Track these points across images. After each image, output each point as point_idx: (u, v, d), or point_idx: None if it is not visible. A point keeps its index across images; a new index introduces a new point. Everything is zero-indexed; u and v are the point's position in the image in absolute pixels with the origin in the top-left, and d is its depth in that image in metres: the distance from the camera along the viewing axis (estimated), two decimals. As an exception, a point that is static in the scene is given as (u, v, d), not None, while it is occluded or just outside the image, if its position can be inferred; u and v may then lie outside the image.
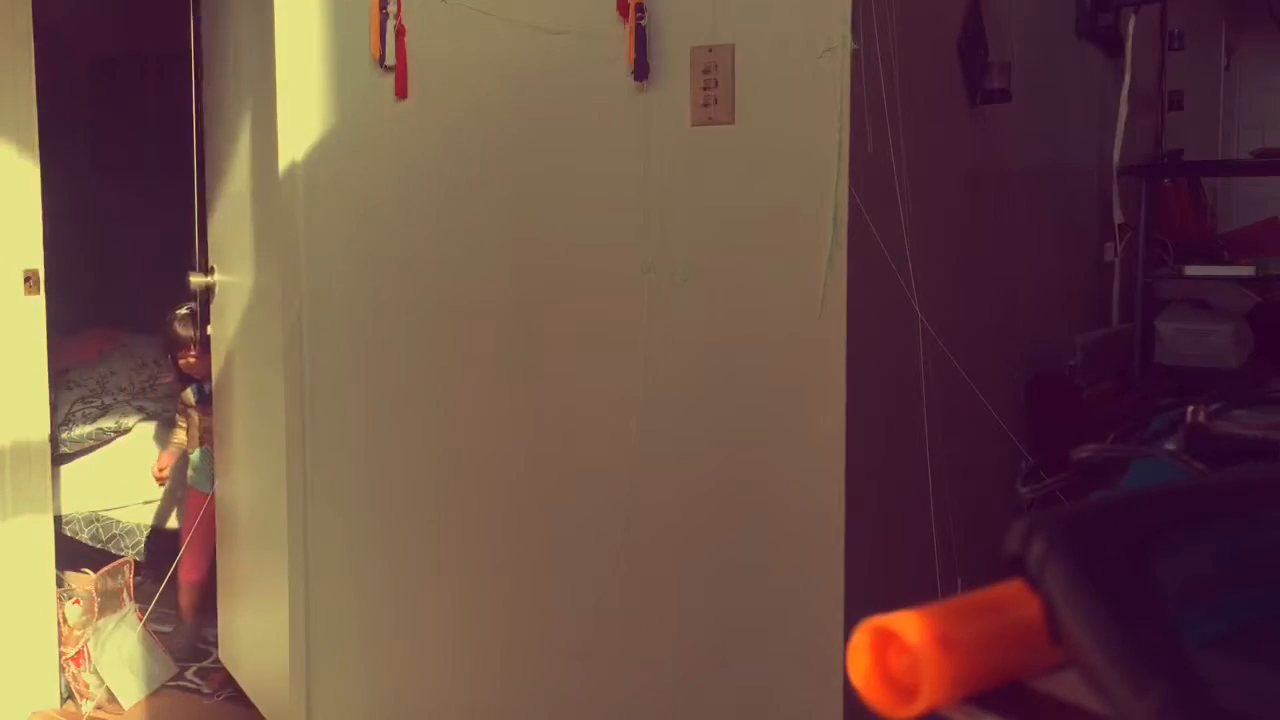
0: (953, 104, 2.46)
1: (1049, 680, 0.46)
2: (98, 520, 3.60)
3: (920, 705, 0.45)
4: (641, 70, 2.03)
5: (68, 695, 3.06)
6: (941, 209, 2.32)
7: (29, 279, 2.92)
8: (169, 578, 3.30)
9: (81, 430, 3.54)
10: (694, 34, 1.99)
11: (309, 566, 2.49)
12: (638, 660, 2.15)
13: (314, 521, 2.48)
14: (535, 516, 2.24)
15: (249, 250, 2.74)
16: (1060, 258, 3.41)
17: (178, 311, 3.39)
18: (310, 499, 2.48)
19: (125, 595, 3.22)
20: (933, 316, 2.13)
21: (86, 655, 3.05)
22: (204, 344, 3.33)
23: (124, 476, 3.59)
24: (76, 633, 3.04)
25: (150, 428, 3.66)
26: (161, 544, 3.61)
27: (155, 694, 3.14)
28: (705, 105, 1.99)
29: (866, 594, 1.98)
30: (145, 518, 3.65)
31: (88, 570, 3.13)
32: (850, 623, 1.60)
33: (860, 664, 0.46)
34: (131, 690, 3.09)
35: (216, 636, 3.45)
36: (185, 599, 3.40)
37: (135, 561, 3.44)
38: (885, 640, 0.46)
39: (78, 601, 3.06)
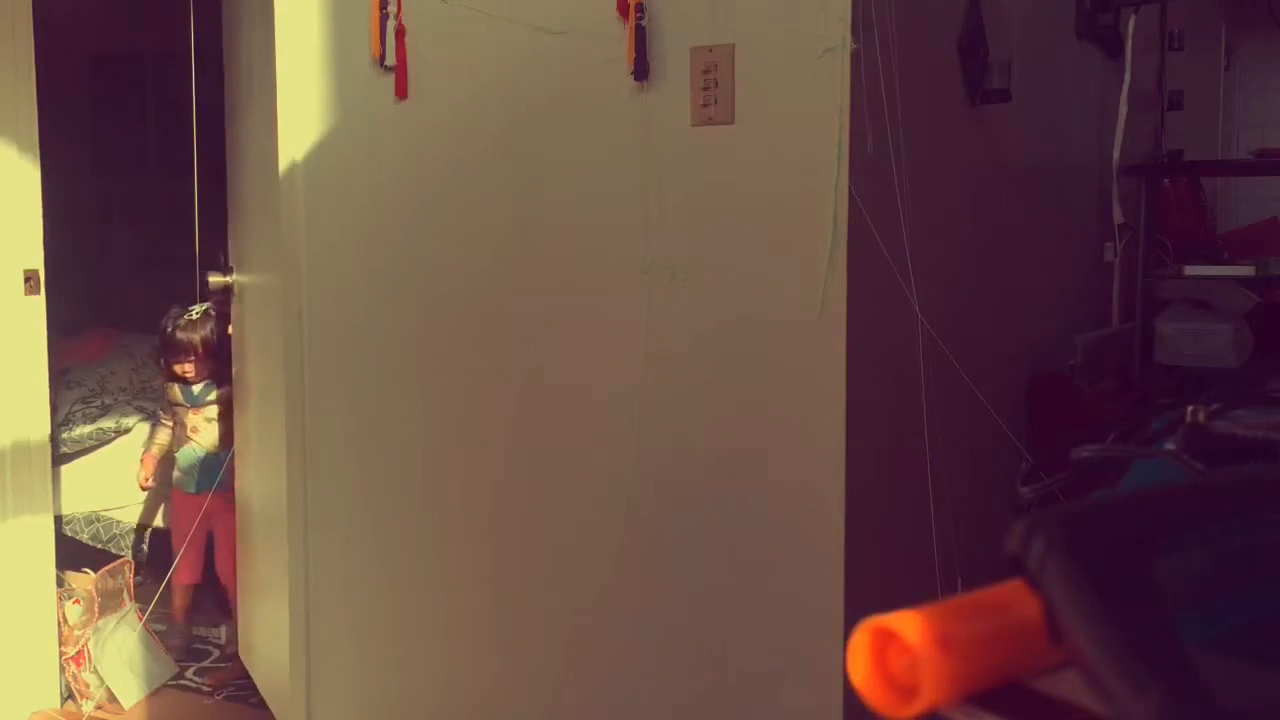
0: (953, 104, 2.45)
1: (1049, 680, 0.46)
2: (98, 520, 3.59)
3: (920, 705, 0.45)
4: (641, 70, 2.03)
5: (68, 695, 3.06)
6: (941, 209, 2.32)
7: (29, 279, 2.92)
8: (167, 580, 3.30)
9: (81, 430, 3.54)
10: (694, 34, 1.99)
11: (309, 565, 2.49)
12: (637, 660, 2.15)
13: (314, 520, 2.48)
14: (535, 516, 2.24)
15: (263, 250, 2.74)
16: (1060, 258, 3.41)
17: (179, 317, 3.34)
18: (310, 497, 2.48)
19: (125, 595, 3.22)
20: (933, 316, 2.13)
21: (87, 655, 3.05)
22: (205, 348, 3.32)
23: (124, 476, 3.59)
24: (77, 633, 3.04)
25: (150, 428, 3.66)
26: (157, 542, 3.61)
27: (155, 694, 3.14)
28: (705, 105, 1.99)
29: (866, 594, 1.98)
30: (145, 518, 3.65)
31: (88, 570, 3.13)
32: (850, 623, 1.59)
33: (860, 664, 0.46)
34: (132, 690, 3.09)
35: (214, 637, 3.46)
36: (178, 600, 3.40)
37: (135, 561, 3.44)
38: (885, 640, 0.46)
39: (78, 601, 3.06)
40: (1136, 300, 3.68)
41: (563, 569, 2.21)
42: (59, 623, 3.03)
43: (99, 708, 3.04)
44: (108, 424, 3.53)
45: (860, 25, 1.88)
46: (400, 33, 2.27)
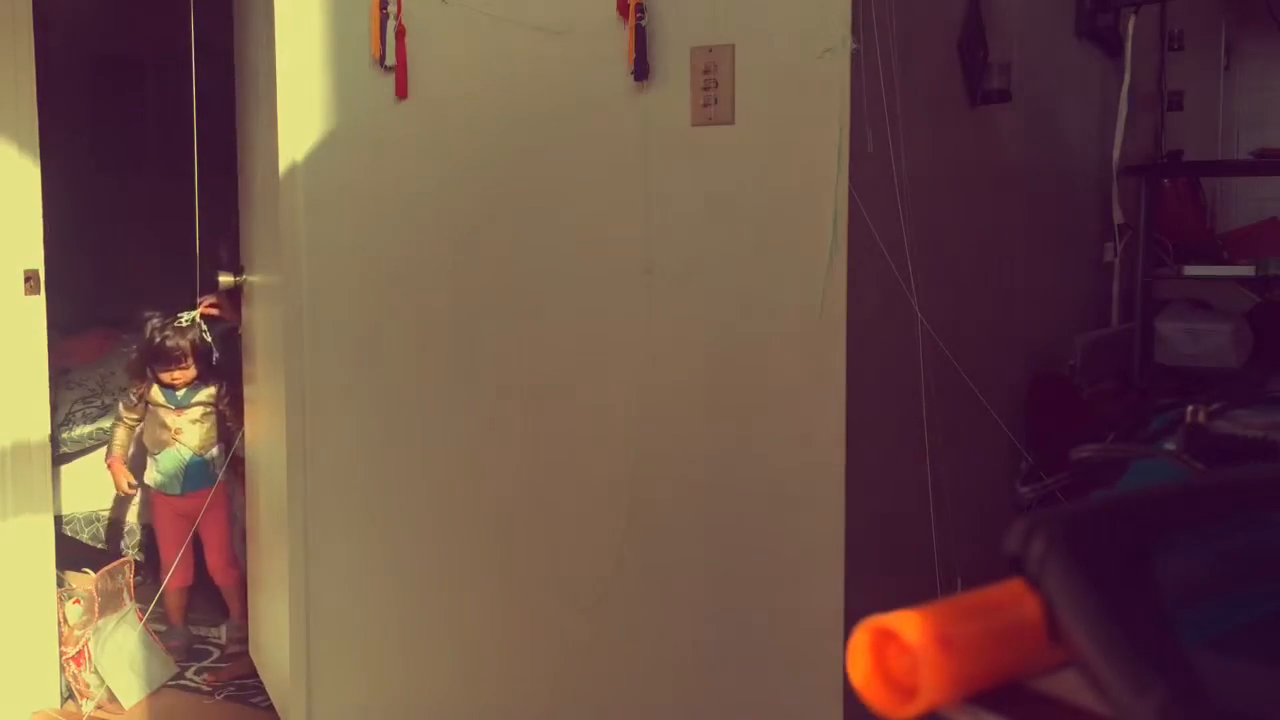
0: (953, 104, 2.45)
1: (1049, 680, 0.46)
2: (98, 520, 3.59)
3: (920, 705, 0.45)
4: (641, 70, 2.03)
5: (68, 695, 3.06)
6: (941, 209, 2.32)
7: (29, 279, 2.92)
8: (163, 588, 3.30)
9: (81, 430, 3.53)
10: (694, 34, 1.99)
11: (309, 564, 2.49)
12: (637, 659, 2.15)
13: (314, 519, 2.48)
14: (535, 516, 2.24)
15: (268, 250, 2.74)
16: (1060, 258, 3.41)
17: (165, 326, 3.28)
18: (310, 497, 2.48)
19: (125, 595, 3.22)
20: (933, 316, 2.13)
21: (87, 655, 3.05)
22: (195, 354, 3.29)
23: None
24: (77, 633, 3.04)
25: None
26: (153, 541, 3.60)
27: (156, 694, 3.14)
28: (705, 105, 2.00)
29: (866, 594, 1.98)
30: (144, 516, 3.64)
31: (88, 570, 3.13)
32: (850, 623, 1.60)
33: (860, 664, 0.46)
34: (132, 690, 3.09)
35: (213, 636, 3.46)
36: (172, 603, 3.39)
37: (135, 561, 3.44)
38: (885, 640, 0.46)
39: (78, 601, 3.06)
40: (1136, 300, 3.68)
41: (563, 568, 2.21)
42: (59, 623, 3.03)
43: (99, 708, 3.04)
44: (108, 424, 3.52)
45: (860, 25, 1.88)
46: (400, 33, 2.27)
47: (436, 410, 2.33)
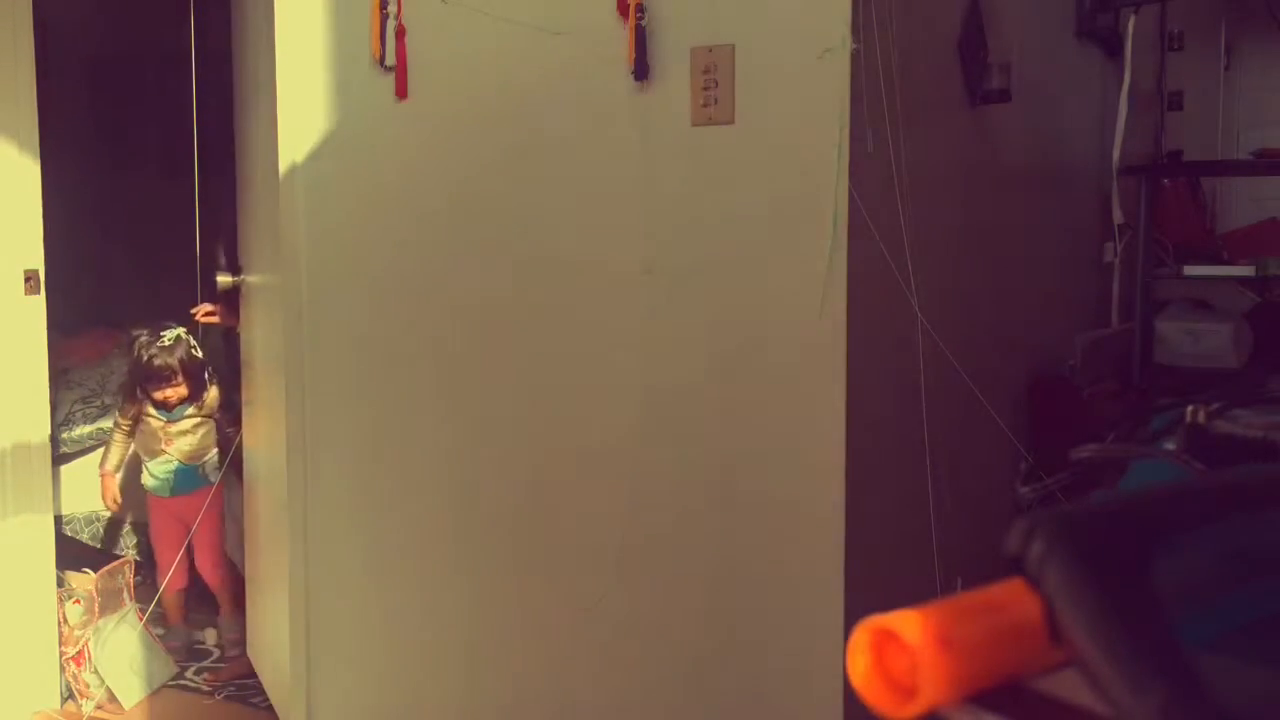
0: (953, 104, 2.45)
1: (1049, 680, 0.46)
2: (98, 520, 3.59)
3: (920, 705, 0.45)
4: (641, 70, 2.03)
5: (68, 695, 3.06)
6: (941, 209, 2.32)
7: (29, 279, 2.92)
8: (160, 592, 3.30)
9: (81, 430, 3.53)
10: (694, 34, 1.99)
11: (309, 564, 2.49)
12: (638, 660, 2.15)
13: (314, 519, 2.48)
14: (535, 516, 2.24)
15: (268, 250, 2.74)
16: (1060, 258, 3.41)
17: (152, 344, 3.24)
18: (310, 497, 2.48)
19: (125, 595, 3.22)
20: (933, 316, 2.13)
21: (87, 655, 3.05)
22: (184, 369, 3.25)
23: (123, 476, 3.58)
24: (77, 633, 3.04)
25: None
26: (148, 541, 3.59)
27: (155, 694, 3.14)
28: (705, 105, 1.99)
29: (866, 594, 1.98)
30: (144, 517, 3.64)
31: (88, 570, 3.13)
32: (850, 623, 1.60)
33: (860, 664, 0.46)
34: (132, 690, 3.09)
35: (197, 641, 3.46)
36: (171, 604, 3.39)
37: (135, 561, 3.44)
38: (885, 640, 0.46)
39: (78, 601, 3.06)
40: (1136, 300, 3.68)
41: (563, 568, 2.21)
42: (59, 623, 3.03)
43: (99, 708, 3.04)
44: (108, 424, 3.52)
45: (860, 25, 1.88)
46: (400, 33, 2.27)
47: (436, 410, 2.33)
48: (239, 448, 3.22)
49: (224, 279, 3.04)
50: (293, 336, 2.45)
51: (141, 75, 4.85)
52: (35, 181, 2.92)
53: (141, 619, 3.20)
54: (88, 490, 3.58)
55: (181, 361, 3.24)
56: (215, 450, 3.35)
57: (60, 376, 3.60)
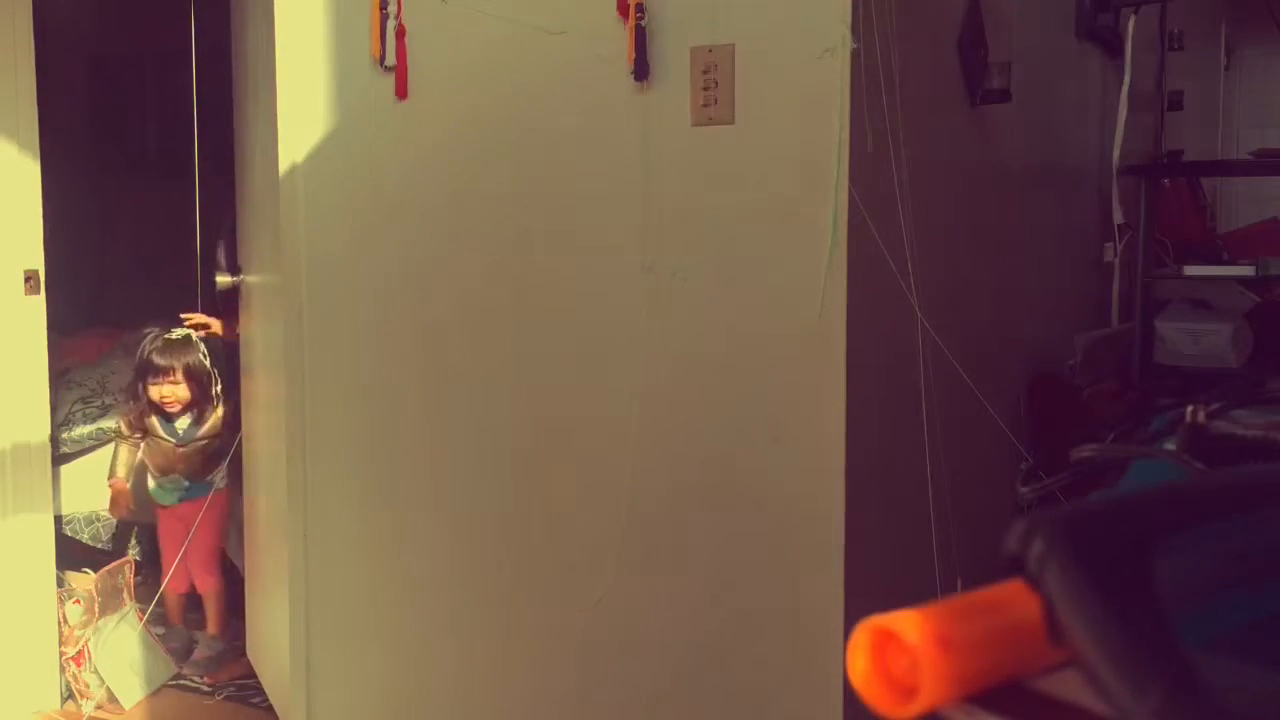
0: (953, 104, 2.45)
1: (1049, 680, 0.46)
2: (98, 520, 3.59)
3: (920, 705, 0.45)
4: (641, 70, 2.03)
5: (68, 695, 3.06)
6: (942, 209, 2.32)
7: (29, 279, 2.92)
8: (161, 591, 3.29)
9: (81, 430, 3.53)
10: (694, 34, 1.99)
11: (309, 565, 2.49)
12: (637, 659, 2.15)
13: (314, 519, 2.48)
14: (535, 516, 2.24)
15: (267, 250, 2.74)
16: (1060, 258, 3.41)
17: (157, 339, 3.23)
18: (310, 497, 2.48)
19: (125, 595, 3.22)
20: (933, 316, 2.13)
21: (87, 655, 3.05)
22: (190, 373, 3.21)
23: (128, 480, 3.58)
24: (77, 633, 3.04)
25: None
26: (151, 542, 3.59)
27: (155, 694, 3.14)
28: (705, 105, 1.99)
29: (866, 594, 1.98)
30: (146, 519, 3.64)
31: (88, 570, 3.13)
32: (850, 623, 1.60)
33: (860, 664, 0.46)
34: (132, 690, 3.09)
35: (208, 638, 3.46)
36: (172, 604, 3.38)
37: (135, 561, 3.44)
38: (885, 640, 0.46)
39: (78, 601, 3.06)
40: (1136, 300, 3.68)
41: (563, 569, 2.21)
42: (59, 623, 3.03)
43: (99, 708, 3.04)
44: (107, 424, 3.52)
45: (860, 25, 1.88)
46: (400, 33, 2.27)
47: (436, 410, 2.33)
48: (239, 448, 3.21)
49: (224, 279, 3.04)
50: (293, 336, 2.45)
51: (141, 75, 4.85)
52: (35, 181, 2.92)
53: (141, 619, 3.20)
54: (88, 490, 3.58)
55: (187, 365, 3.21)
56: (225, 464, 3.33)
57: (60, 376, 3.60)
